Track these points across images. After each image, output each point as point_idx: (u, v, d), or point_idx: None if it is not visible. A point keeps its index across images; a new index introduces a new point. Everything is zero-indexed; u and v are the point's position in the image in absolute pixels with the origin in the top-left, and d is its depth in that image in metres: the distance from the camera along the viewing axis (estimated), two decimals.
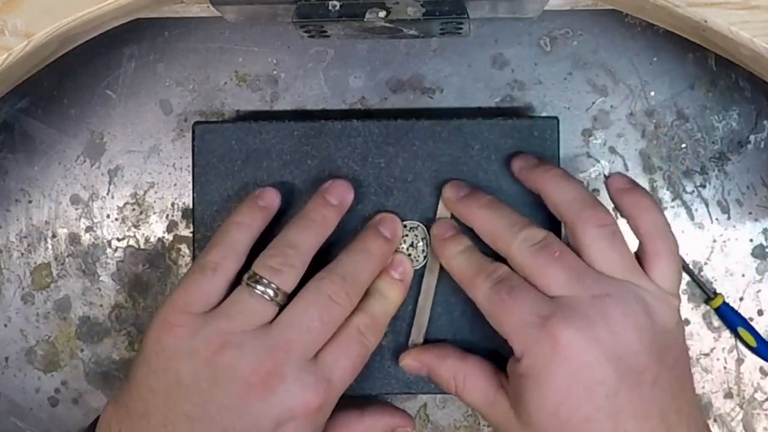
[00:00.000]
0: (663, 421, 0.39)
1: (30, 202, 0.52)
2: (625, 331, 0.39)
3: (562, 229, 0.44)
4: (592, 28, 0.51)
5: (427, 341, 0.47)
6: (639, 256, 0.42)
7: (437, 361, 0.44)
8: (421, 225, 0.46)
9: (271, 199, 0.45)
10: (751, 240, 0.51)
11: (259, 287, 0.41)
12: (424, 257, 0.46)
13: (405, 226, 0.46)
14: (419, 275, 0.46)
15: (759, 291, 0.51)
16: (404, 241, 0.46)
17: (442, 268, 0.46)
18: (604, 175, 0.43)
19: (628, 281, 0.40)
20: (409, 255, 0.46)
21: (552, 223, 0.44)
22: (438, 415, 0.52)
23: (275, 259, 0.42)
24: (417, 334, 0.46)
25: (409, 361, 0.45)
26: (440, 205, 0.47)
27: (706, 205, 0.51)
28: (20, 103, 0.52)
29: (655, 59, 0.51)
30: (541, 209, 0.44)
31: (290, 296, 0.42)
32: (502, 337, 0.41)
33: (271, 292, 0.41)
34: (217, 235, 0.43)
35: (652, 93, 0.51)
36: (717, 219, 0.51)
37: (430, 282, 0.46)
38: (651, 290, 0.41)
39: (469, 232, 0.45)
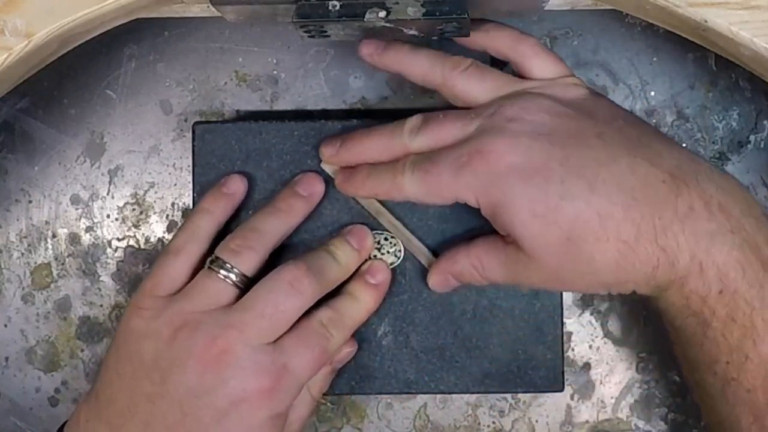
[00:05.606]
0: (636, 156, 0.39)
1: (30, 202, 0.52)
2: (534, 116, 0.40)
3: None
4: (592, 28, 0.51)
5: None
6: (515, 72, 0.44)
7: (452, 263, 0.44)
8: (389, 234, 0.46)
9: (236, 186, 0.46)
10: None
11: (222, 272, 0.42)
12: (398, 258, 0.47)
13: (382, 235, 0.46)
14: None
15: None
16: (380, 248, 0.46)
17: (381, 202, 0.46)
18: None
19: (511, 92, 0.42)
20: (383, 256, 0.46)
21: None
22: (438, 415, 0.52)
23: (235, 242, 0.43)
24: (425, 259, 0.46)
25: (434, 279, 0.45)
26: (324, 166, 0.46)
27: None
28: (20, 103, 0.52)
29: (655, 59, 0.51)
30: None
31: (254, 281, 0.42)
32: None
33: (233, 276, 0.42)
34: (184, 222, 0.45)
35: (652, 93, 0.51)
36: None
37: (388, 219, 0.46)
38: (536, 85, 0.42)
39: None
